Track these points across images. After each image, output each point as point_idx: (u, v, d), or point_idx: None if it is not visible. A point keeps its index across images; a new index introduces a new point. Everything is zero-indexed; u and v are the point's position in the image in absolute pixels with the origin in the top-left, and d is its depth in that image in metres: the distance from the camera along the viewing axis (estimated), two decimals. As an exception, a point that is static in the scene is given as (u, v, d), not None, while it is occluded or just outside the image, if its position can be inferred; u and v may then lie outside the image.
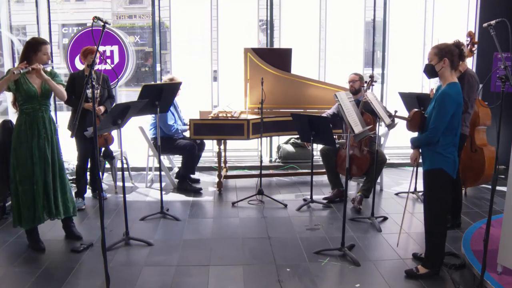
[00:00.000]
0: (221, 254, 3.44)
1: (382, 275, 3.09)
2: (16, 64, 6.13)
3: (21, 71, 3.09)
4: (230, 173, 5.84)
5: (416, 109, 2.97)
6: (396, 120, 4.07)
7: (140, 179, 5.61)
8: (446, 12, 6.18)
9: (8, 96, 6.17)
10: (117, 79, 5.56)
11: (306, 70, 5.73)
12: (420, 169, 4.26)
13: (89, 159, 4.59)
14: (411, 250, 3.48)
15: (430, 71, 2.89)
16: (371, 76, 4.25)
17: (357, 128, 3.34)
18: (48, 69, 3.44)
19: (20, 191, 3.34)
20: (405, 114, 3.85)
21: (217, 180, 5.07)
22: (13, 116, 6.00)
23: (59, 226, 3.73)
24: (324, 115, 4.69)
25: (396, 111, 3.53)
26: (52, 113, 3.58)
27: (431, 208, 2.97)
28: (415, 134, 3.08)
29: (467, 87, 3.59)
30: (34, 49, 3.30)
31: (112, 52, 5.77)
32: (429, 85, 6.26)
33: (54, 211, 3.46)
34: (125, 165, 5.24)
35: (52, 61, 3.46)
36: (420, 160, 3.08)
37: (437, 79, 2.98)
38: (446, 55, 2.80)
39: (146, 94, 3.88)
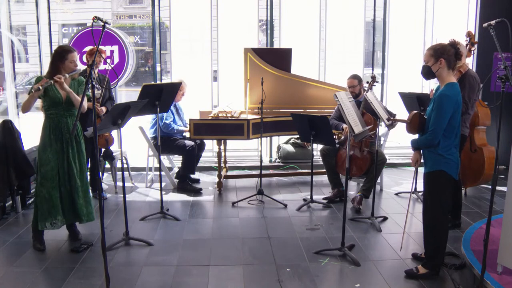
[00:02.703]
0: (221, 254, 3.44)
1: (382, 275, 3.09)
2: (16, 65, 6.19)
3: (41, 88, 3.16)
4: (230, 173, 5.84)
5: (415, 111, 2.95)
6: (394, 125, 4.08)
7: (140, 179, 5.61)
8: (446, 12, 6.18)
9: (9, 96, 6.18)
10: (117, 79, 5.56)
11: (306, 70, 5.74)
12: (420, 169, 4.27)
13: (89, 159, 4.59)
14: (411, 250, 3.48)
15: (427, 72, 2.88)
16: (373, 77, 4.25)
17: (357, 128, 3.34)
18: (77, 75, 3.49)
19: (39, 192, 3.42)
20: (405, 114, 3.86)
21: (217, 180, 5.07)
22: (13, 116, 6.01)
23: (59, 226, 3.74)
24: (330, 118, 4.68)
25: (395, 115, 3.54)
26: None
27: (432, 210, 2.96)
28: (415, 136, 3.07)
29: (468, 88, 3.59)
30: (61, 57, 3.37)
31: (112, 52, 5.77)
32: (429, 85, 6.27)
33: (79, 213, 3.52)
34: (125, 165, 5.24)
35: (79, 70, 3.51)
36: (422, 161, 3.08)
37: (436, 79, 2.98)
38: (442, 56, 2.79)
39: (146, 94, 3.88)
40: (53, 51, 3.47)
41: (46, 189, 3.40)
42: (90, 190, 3.72)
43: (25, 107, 3.30)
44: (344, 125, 4.53)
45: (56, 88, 3.35)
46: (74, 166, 3.48)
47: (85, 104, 3.54)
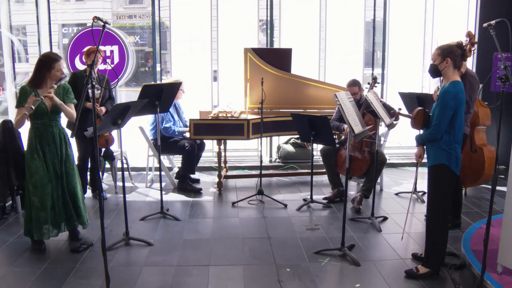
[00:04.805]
0: (221, 254, 3.44)
1: (382, 275, 3.09)
2: (16, 65, 6.19)
3: (33, 107, 3.12)
4: (230, 173, 5.84)
5: (420, 108, 3.04)
6: (398, 119, 4.08)
7: (140, 179, 5.61)
8: (446, 12, 6.18)
9: (9, 96, 6.18)
10: (117, 79, 5.56)
11: (306, 70, 5.73)
12: (421, 170, 4.29)
13: (89, 159, 4.59)
14: (411, 250, 3.48)
15: (434, 70, 2.97)
16: (374, 78, 4.25)
17: (357, 128, 3.34)
18: (62, 81, 3.40)
19: (32, 202, 3.38)
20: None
21: (217, 180, 5.07)
22: (13, 116, 6.01)
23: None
24: (331, 120, 4.67)
25: (400, 109, 3.55)
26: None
27: (433, 204, 3.00)
28: (417, 133, 3.09)
29: (468, 88, 3.61)
30: (47, 66, 3.30)
31: (112, 52, 5.77)
32: (429, 85, 6.28)
33: (69, 222, 3.53)
34: (125, 165, 5.23)
35: (65, 76, 3.43)
36: (425, 160, 3.09)
37: (437, 79, 3.00)
38: (448, 55, 2.87)
39: (146, 94, 3.88)
40: (38, 59, 3.34)
41: (38, 198, 3.35)
42: (88, 191, 3.68)
43: (18, 124, 3.29)
44: (345, 125, 4.52)
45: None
46: (66, 174, 3.46)
47: (74, 113, 3.46)
